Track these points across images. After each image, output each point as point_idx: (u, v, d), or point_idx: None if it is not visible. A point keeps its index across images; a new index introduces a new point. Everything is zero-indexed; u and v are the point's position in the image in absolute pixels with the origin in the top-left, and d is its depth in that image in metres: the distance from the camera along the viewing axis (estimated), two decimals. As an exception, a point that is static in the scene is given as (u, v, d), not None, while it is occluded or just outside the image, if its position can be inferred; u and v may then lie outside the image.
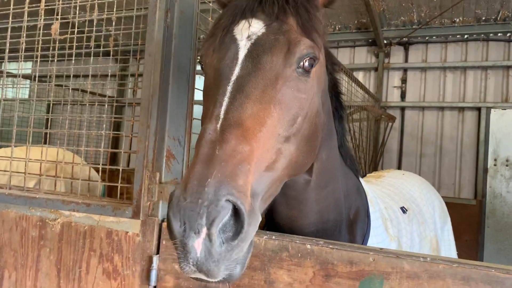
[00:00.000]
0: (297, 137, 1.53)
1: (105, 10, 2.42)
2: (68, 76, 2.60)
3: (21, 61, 2.56)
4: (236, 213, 1.17)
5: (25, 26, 2.51)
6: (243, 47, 1.49)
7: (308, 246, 1.61)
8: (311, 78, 1.58)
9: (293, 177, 1.67)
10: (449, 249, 3.70)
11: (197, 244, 1.14)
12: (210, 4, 2.38)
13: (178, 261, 1.21)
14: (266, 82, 1.43)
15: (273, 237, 1.68)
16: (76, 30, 2.48)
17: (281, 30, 1.52)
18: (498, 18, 8.45)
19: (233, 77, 1.43)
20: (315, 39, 1.57)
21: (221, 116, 1.34)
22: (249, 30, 1.51)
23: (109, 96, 9.40)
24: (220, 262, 1.16)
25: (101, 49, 2.54)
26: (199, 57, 1.71)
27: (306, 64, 1.53)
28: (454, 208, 6.28)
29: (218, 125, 1.32)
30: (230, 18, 1.57)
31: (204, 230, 1.13)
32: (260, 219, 1.29)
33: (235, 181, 1.19)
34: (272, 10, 1.53)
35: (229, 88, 1.41)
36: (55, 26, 2.37)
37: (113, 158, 10.19)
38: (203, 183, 1.17)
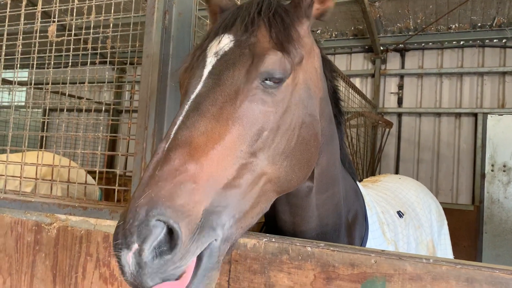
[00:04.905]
0: (267, 152, 1.42)
1: (103, 13, 2.41)
2: (64, 83, 2.58)
3: (17, 64, 2.54)
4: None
5: (21, 29, 2.49)
6: (209, 64, 1.44)
7: (309, 249, 1.58)
8: (282, 91, 1.48)
9: (288, 191, 1.59)
10: (445, 253, 3.67)
11: (128, 258, 1.14)
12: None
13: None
14: (225, 99, 1.36)
15: (273, 240, 1.65)
16: (73, 33, 2.46)
17: (248, 43, 1.45)
18: (494, 24, 8.51)
19: (193, 96, 1.38)
20: (288, 49, 1.48)
21: (171, 136, 1.30)
22: (218, 46, 1.47)
23: (106, 103, 9.35)
24: (152, 274, 1.14)
25: (98, 51, 2.52)
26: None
27: (271, 82, 1.43)
28: (452, 213, 6.28)
29: (166, 145, 1.28)
30: (208, 37, 1.54)
31: (135, 246, 1.13)
32: (232, 238, 1.29)
33: (171, 200, 1.17)
34: (242, 23, 1.48)
35: (186, 107, 1.36)
36: (52, 28, 2.35)
37: (111, 163, 10.14)
38: (136, 205, 1.16)
